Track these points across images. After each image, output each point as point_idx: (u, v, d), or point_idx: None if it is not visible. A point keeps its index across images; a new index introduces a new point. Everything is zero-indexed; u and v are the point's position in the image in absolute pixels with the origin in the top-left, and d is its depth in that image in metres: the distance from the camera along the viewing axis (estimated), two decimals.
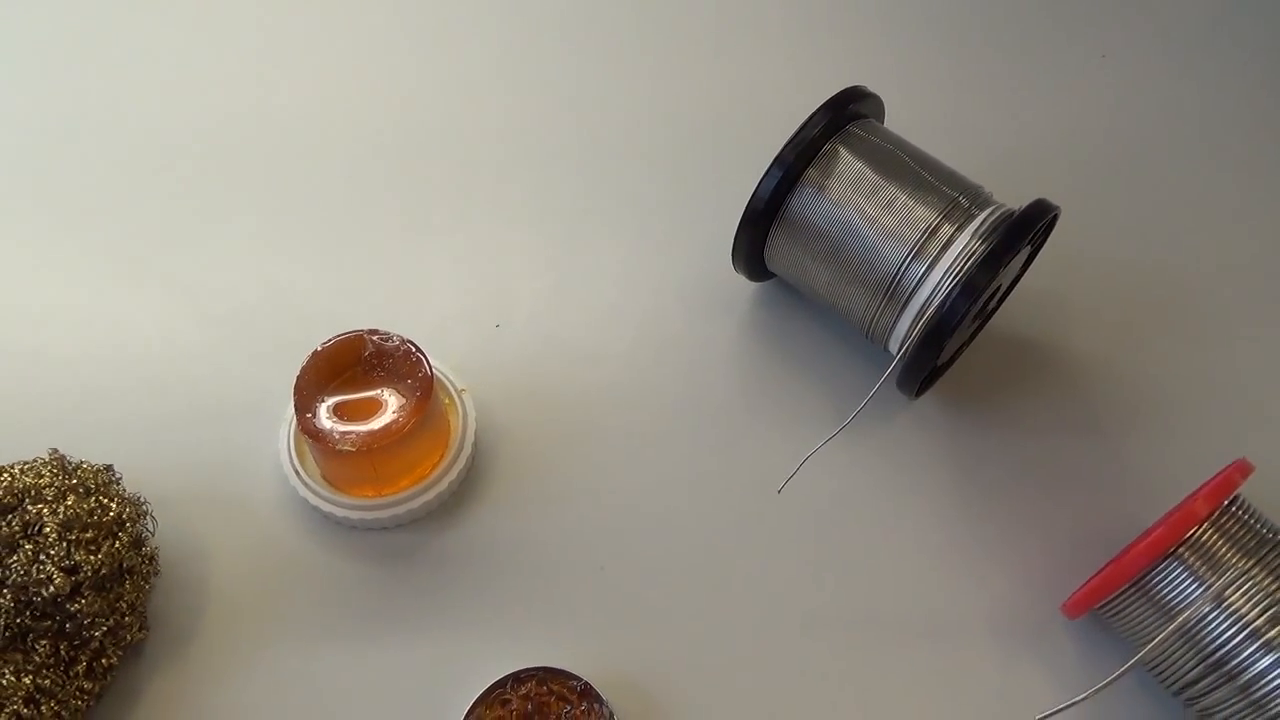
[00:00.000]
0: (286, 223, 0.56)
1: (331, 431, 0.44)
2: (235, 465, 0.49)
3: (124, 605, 0.41)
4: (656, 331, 0.53)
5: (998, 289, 0.49)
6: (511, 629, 0.45)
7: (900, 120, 0.51)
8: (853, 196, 0.47)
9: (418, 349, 0.46)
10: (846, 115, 0.48)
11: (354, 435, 0.44)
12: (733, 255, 0.51)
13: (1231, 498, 0.40)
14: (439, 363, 0.50)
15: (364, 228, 0.56)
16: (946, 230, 0.46)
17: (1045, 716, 0.38)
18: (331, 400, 0.45)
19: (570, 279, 0.55)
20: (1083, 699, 0.38)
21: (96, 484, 0.42)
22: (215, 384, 0.51)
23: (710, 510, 0.48)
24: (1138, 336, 0.54)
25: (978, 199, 0.47)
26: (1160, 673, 0.41)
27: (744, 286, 0.54)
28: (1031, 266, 0.52)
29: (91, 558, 0.40)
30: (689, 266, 0.55)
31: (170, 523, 0.46)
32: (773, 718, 0.44)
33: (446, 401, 0.49)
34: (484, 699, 0.42)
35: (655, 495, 0.49)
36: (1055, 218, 0.47)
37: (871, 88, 0.50)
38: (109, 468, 0.44)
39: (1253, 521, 0.40)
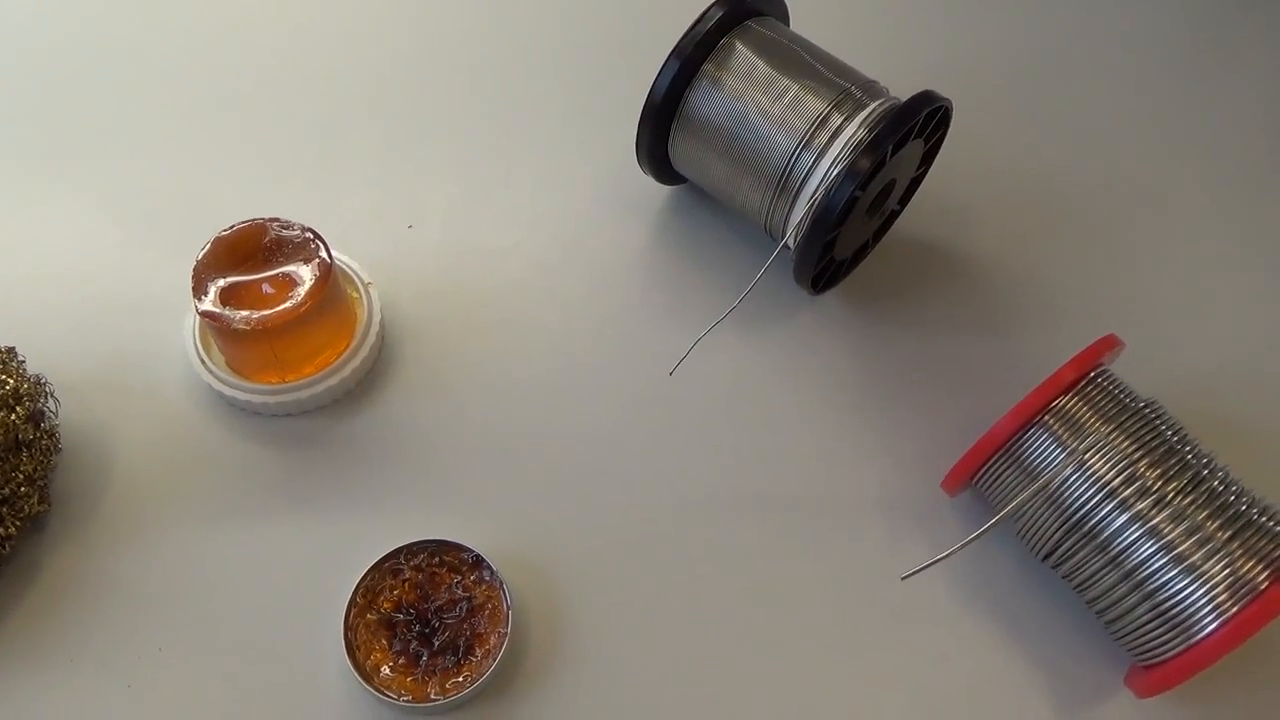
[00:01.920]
0: (200, 123, 0.57)
1: (226, 313, 0.44)
2: (144, 354, 0.49)
3: (20, 476, 0.42)
4: (566, 234, 0.54)
5: (892, 183, 0.50)
6: (409, 508, 0.46)
7: (806, 25, 0.52)
8: (748, 89, 0.48)
9: (317, 236, 0.47)
10: (744, 10, 0.49)
11: (249, 316, 0.44)
12: (636, 152, 0.51)
13: (1098, 369, 0.42)
14: (347, 258, 0.50)
15: (278, 130, 0.57)
16: (835, 119, 0.47)
17: (910, 574, 0.39)
18: (225, 281, 0.45)
19: (483, 184, 0.56)
20: (945, 556, 0.39)
21: None
22: (125, 277, 0.51)
23: (608, 397, 0.49)
24: (1031, 241, 0.55)
25: (870, 90, 0.48)
26: (1027, 537, 0.42)
27: (655, 191, 0.55)
28: (933, 169, 0.53)
29: None
30: (601, 170, 0.56)
31: (77, 407, 0.47)
32: (662, 594, 0.45)
33: (353, 295, 0.50)
34: (376, 569, 0.43)
35: (556, 385, 0.50)
36: (946, 111, 0.48)
37: None
38: (10, 349, 0.45)
39: (1116, 391, 0.41)
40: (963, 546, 0.39)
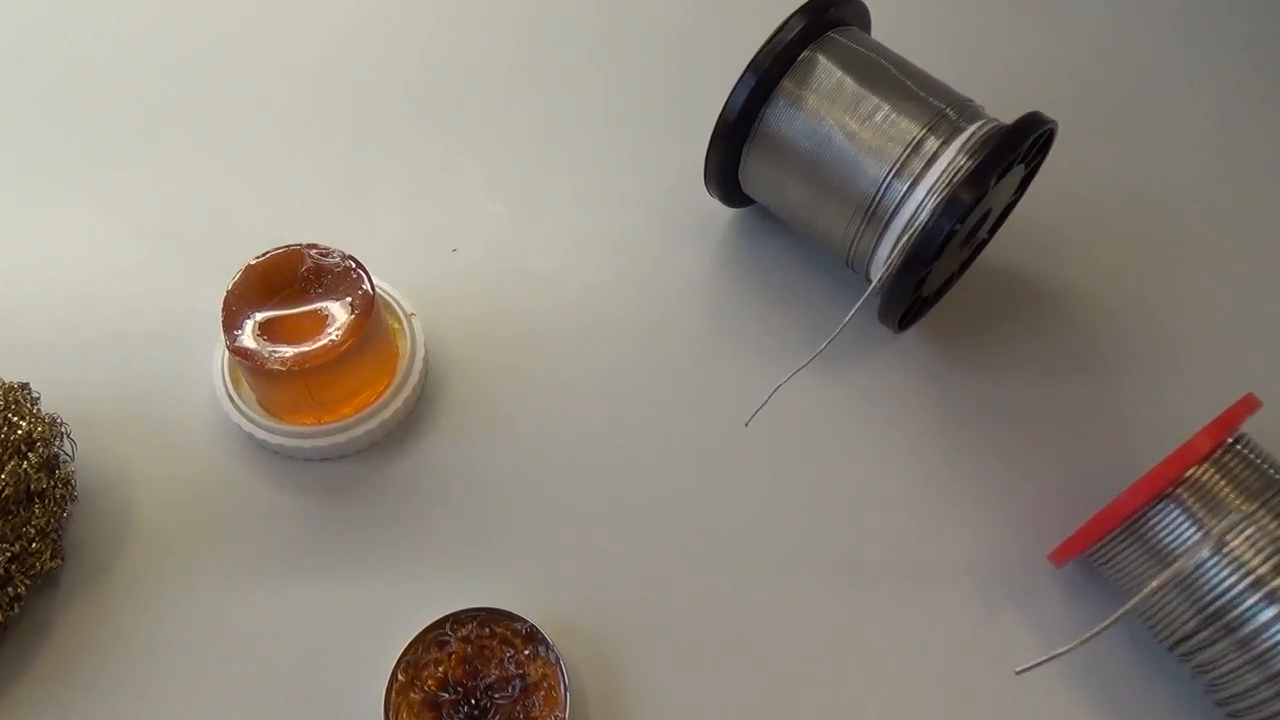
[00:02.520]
0: (230, 138, 0.53)
1: (260, 350, 0.40)
2: (168, 389, 0.45)
3: (32, 531, 0.38)
4: (623, 259, 0.50)
5: (987, 213, 0.45)
6: (454, 567, 0.42)
7: (887, 31, 0.47)
8: (831, 109, 0.43)
9: (359, 265, 0.43)
10: (826, 20, 0.44)
11: (284, 355, 0.40)
12: (704, 174, 0.47)
13: (1235, 435, 0.37)
14: (388, 285, 0.46)
15: (312, 145, 0.52)
16: (931, 144, 0.42)
17: (1025, 669, 0.35)
18: (261, 316, 0.41)
19: (532, 202, 0.51)
20: (1066, 651, 0.35)
21: (7, 401, 0.39)
22: (149, 304, 0.47)
23: (673, 445, 0.45)
24: (1138, 271, 0.50)
25: (966, 112, 0.43)
26: (1154, 625, 0.37)
27: (719, 213, 0.51)
28: (1027, 193, 0.48)
29: None
30: (660, 190, 0.51)
31: (95, 447, 0.43)
32: (734, 671, 0.41)
33: (394, 326, 0.46)
34: (420, 640, 0.39)
35: (615, 430, 0.45)
36: (1051, 134, 0.43)
37: None
38: (24, 386, 0.41)
39: (1258, 461, 0.37)
40: (1087, 640, 0.34)
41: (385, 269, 0.47)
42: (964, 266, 0.49)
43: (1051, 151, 0.45)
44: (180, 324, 0.47)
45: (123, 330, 0.47)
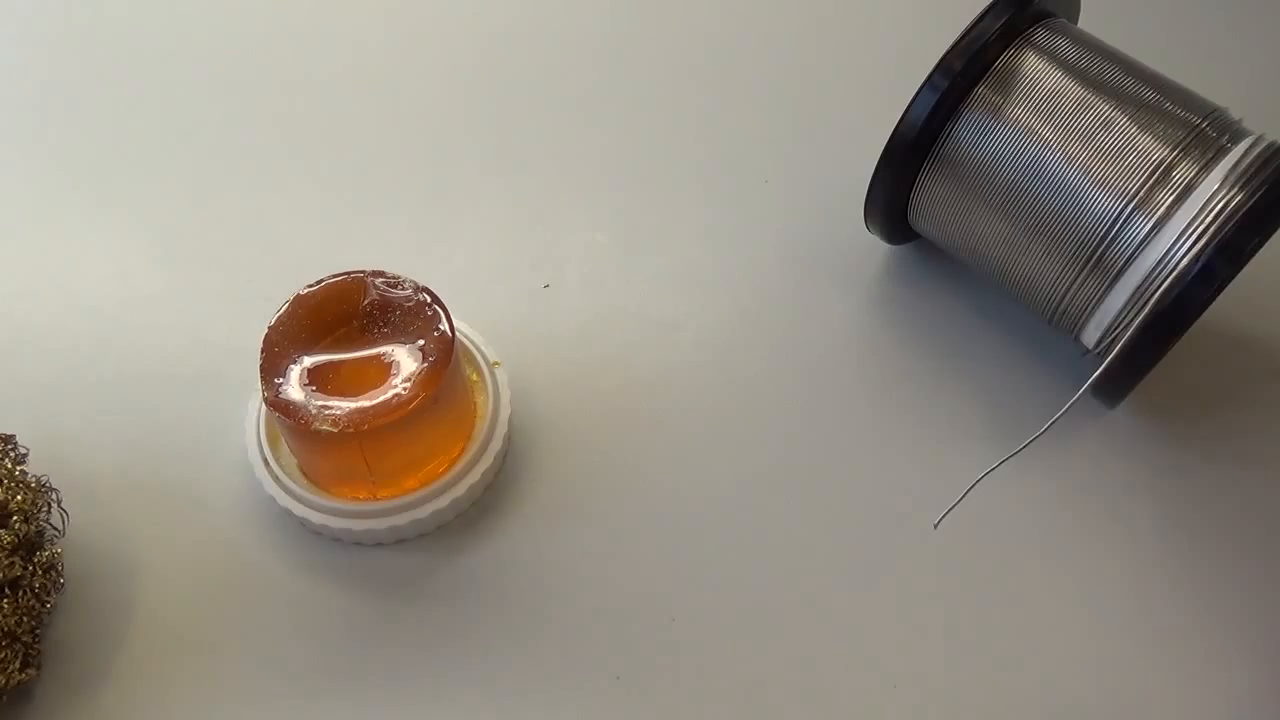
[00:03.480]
0: (284, 146, 0.44)
1: (307, 405, 0.31)
2: (190, 449, 0.37)
3: None
4: (751, 303, 0.40)
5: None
6: (541, 694, 0.32)
7: (1101, 22, 0.38)
8: (1043, 124, 0.34)
9: (435, 299, 0.34)
10: (1031, 13, 0.35)
11: (337, 412, 0.31)
12: (866, 206, 0.38)
13: None
14: (465, 326, 0.37)
15: (381, 157, 0.44)
16: (1186, 170, 0.32)
17: None
18: (310, 361, 0.32)
19: (642, 231, 0.42)
20: None
21: None
22: (174, 339, 0.39)
23: (818, 544, 0.35)
24: None
25: (1228, 128, 0.33)
26: None
27: (872, 250, 0.41)
28: None
29: None
30: (797, 221, 0.42)
31: (91, 521, 0.34)
32: None
33: (473, 378, 0.37)
34: None
35: (746, 519, 0.36)
36: None
37: None
38: (9, 439, 0.32)
39: None
40: None
41: (464, 307, 0.37)
42: None
43: None
44: (210, 366, 0.38)
45: (140, 372, 0.38)
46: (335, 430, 0.31)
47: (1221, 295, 0.39)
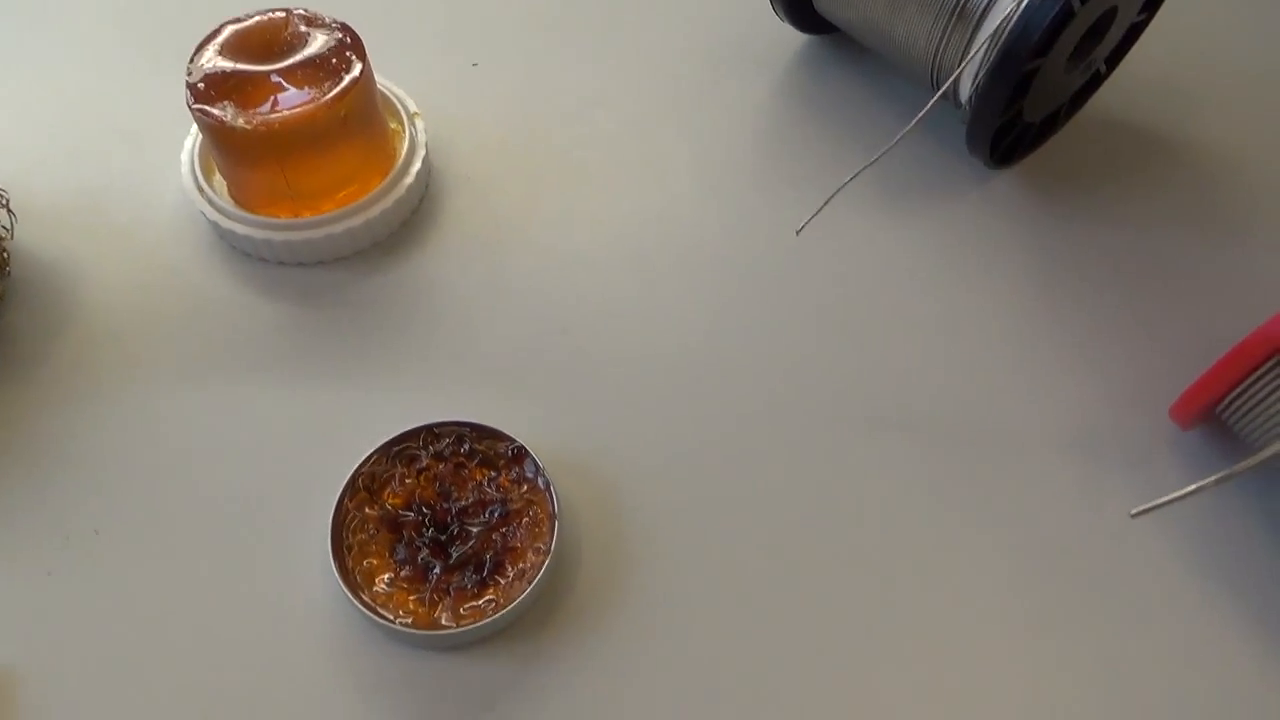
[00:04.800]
0: None
1: (220, 110, 0.34)
2: (134, 182, 0.40)
3: None
4: (668, 87, 0.43)
5: (1108, 19, 0.37)
6: (435, 384, 0.36)
7: None
8: None
9: (355, 37, 0.37)
10: None
11: (252, 114, 0.34)
12: None
13: None
14: (392, 84, 0.40)
15: None
16: None
17: (1141, 511, 0.27)
18: (232, 68, 0.35)
19: (568, 19, 0.45)
20: (1186, 493, 0.27)
21: None
22: (121, 89, 0.42)
23: (705, 271, 0.38)
24: (1261, 124, 0.42)
25: None
26: None
27: (785, 40, 0.44)
28: (1152, 49, 0.40)
29: None
30: (715, 10, 0.45)
31: (41, 236, 0.38)
32: (755, 524, 0.33)
33: (394, 127, 0.40)
34: (384, 452, 0.32)
35: (635, 256, 0.39)
36: None
37: None
38: None
39: None
40: (1218, 482, 0.26)
41: (393, 70, 0.41)
42: (1075, 103, 0.42)
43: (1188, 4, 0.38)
44: (155, 116, 0.41)
45: (89, 120, 0.42)
46: (250, 128, 0.34)
47: (1112, 86, 0.41)
